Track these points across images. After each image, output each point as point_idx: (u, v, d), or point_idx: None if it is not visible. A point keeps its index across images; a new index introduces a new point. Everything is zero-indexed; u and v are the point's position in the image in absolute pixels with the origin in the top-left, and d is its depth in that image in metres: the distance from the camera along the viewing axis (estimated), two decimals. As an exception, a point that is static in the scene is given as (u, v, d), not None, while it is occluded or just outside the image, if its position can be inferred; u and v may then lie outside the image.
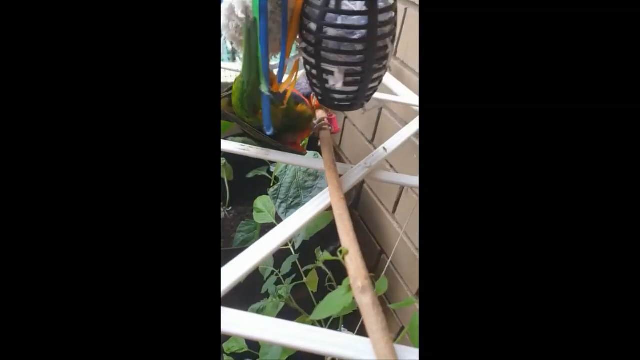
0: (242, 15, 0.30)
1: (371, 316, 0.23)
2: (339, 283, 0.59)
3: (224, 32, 0.32)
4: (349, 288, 0.26)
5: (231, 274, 0.26)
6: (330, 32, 0.30)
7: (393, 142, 0.41)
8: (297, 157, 0.38)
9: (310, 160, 0.38)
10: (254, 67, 0.32)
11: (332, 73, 0.32)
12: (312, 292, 0.57)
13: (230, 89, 0.39)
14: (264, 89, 0.32)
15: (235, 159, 0.84)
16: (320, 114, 0.43)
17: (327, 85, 0.33)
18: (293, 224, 0.31)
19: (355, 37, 0.30)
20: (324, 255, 0.28)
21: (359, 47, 0.31)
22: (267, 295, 0.53)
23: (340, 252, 0.27)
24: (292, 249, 0.61)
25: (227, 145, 0.39)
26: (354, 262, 0.26)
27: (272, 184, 0.64)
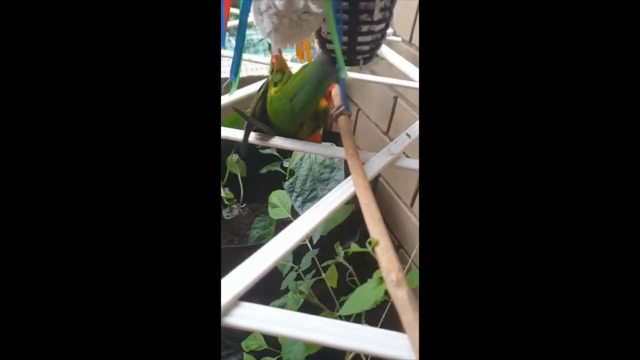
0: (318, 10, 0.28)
1: (408, 312, 0.21)
2: (360, 278, 0.57)
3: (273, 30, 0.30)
4: (381, 281, 0.24)
5: (249, 272, 0.24)
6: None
7: (417, 129, 0.39)
8: (317, 147, 0.37)
9: (331, 149, 0.37)
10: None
11: None
12: (332, 287, 0.55)
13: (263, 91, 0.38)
14: (343, 74, 0.31)
15: (248, 155, 0.82)
16: (337, 101, 0.41)
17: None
18: (312, 218, 0.29)
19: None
20: (351, 247, 0.26)
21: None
22: (287, 291, 0.51)
23: (370, 243, 0.26)
24: (309, 244, 0.59)
25: (241, 135, 0.37)
26: (385, 254, 0.24)
27: (286, 178, 0.63)
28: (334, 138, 0.73)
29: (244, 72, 0.98)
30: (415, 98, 0.70)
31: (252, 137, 0.37)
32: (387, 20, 0.35)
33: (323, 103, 0.41)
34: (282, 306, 0.48)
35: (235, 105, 0.48)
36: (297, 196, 0.55)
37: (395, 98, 0.75)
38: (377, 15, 0.33)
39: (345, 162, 0.50)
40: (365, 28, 0.34)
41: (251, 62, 0.61)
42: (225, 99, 0.44)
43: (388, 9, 0.35)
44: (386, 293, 0.25)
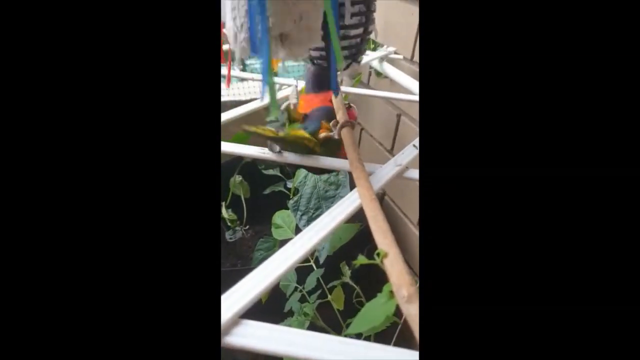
0: None
1: (423, 327, 0.19)
2: (368, 299, 0.55)
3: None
4: (391, 295, 0.23)
5: (251, 288, 0.23)
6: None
7: (422, 141, 0.38)
8: (320, 160, 0.36)
9: (333, 162, 0.36)
10: None
11: None
12: (338, 310, 0.53)
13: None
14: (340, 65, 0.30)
15: (251, 176, 0.82)
16: (340, 115, 0.40)
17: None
18: (317, 231, 0.28)
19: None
20: (358, 259, 0.25)
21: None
22: (291, 313, 0.49)
23: (378, 254, 0.24)
24: (314, 265, 0.58)
25: (246, 150, 0.36)
26: (395, 267, 0.23)
27: (291, 197, 0.62)
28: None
29: (245, 95, 0.99)
30: (417, 114, 0.70)
31: (255, 151, 0.37)
32: (364, 26, 0.36)
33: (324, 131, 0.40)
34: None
35: (237, 124, 0.47)
36: (302, 215, 0.53)
37: (399, 116, 0.74)
38: (349, 20, 0.34)
39: (350, 177, 0.49)
40: (339, 32, 0.35)
41: (254, 80, 0.61)
42: (226, 116, 0.44)
43: (363, 14, 0.36)
44: (396, 313, 0.24)
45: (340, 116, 0.40)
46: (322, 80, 0.40)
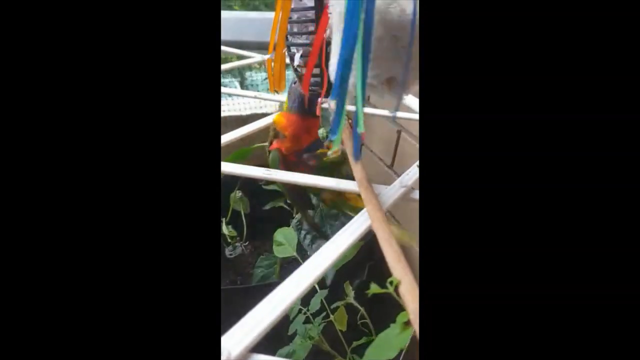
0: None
1: None
2: (373, 321, 0.54)
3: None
4: (406, 325, 0.22)
5: (261, 319, 0.22)
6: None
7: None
8: (329, 181, 0.35)
9: (340, 182, 0.35)
10: None
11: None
12: (341, 331, 0.51)
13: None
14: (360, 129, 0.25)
15: (251, 191, 0.81)
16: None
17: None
18: (327, 255, 0.27)
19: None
20: (371, 289, 0.24)
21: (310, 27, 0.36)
22: (295, 336, 0.48)
23: (391, 283, 0.23)
24: (316, 286, 0.57)
25: (251, 171, 0.36)
26: (412, 294, 0.22)
27: (293, 215, 0.61)
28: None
29: (245, 110, 0.99)
30: (417, 131, 0.69)
31: (260, 172, 0.36)
32: None
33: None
34: (292, 353, 0.45)
35: (242, 142, 0.47)
36: (306, 234, 0.52)
37: (399, 132, 0.74)
38: None
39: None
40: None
41: (257, 99, 0.61)
42: (227, 137, 0.43)
43: None
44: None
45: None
46: (310, 106, 0.41)
